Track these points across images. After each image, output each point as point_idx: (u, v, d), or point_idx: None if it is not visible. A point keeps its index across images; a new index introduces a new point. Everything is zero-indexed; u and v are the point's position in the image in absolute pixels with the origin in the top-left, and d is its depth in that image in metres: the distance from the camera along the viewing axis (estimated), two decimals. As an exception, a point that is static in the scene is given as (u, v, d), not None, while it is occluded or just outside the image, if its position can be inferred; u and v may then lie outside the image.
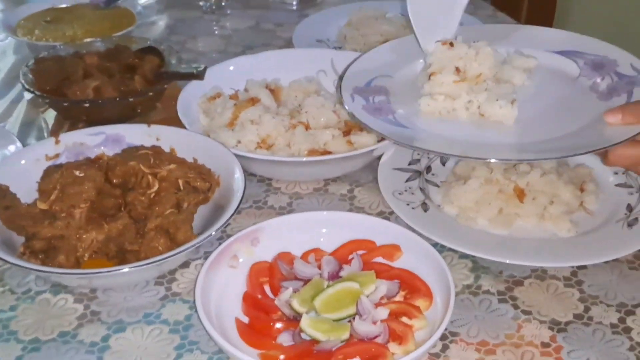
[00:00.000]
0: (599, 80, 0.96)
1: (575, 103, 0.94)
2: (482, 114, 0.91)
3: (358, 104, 0.93)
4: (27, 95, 1.23)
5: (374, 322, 0.72)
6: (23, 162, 0.92)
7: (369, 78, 1.00)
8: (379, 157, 0.98)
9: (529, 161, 0.88)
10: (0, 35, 1.49)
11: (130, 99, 1.06)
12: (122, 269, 0.76)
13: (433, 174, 0.98)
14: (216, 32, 1.52)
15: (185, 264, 0.85)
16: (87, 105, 1.05)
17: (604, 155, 0.84)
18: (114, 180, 0.88)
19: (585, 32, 1.06)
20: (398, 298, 0.78)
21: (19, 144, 1.03)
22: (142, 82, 1.09)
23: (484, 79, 0.95)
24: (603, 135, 0.83)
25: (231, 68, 1.16)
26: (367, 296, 0.75)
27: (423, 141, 0.88)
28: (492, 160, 0.83)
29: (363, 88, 0.97)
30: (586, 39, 1.04)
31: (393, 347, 0.71)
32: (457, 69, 0.95)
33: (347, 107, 0.91)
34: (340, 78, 1.00)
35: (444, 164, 0.99)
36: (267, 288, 0.80)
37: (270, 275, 0.81)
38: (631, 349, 0.73)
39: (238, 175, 0.87)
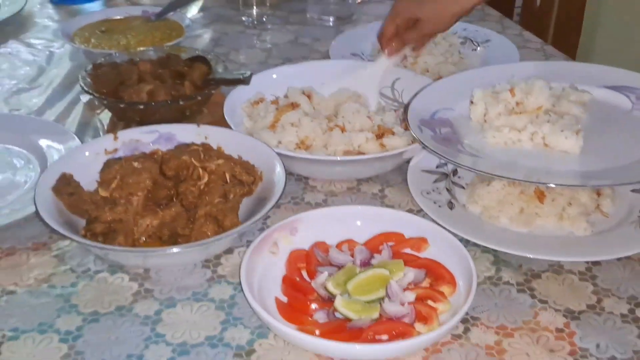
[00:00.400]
0: None
1: (633, 133, 1.00)
2: (547, 144, 0.98)
3: (427, 134, 1.00)
4: (84, 98, 1.33)
5: (402, 304, 0.79)
6: (87, 154, 1.01)
7: (432, 110, 1.07)
8: (409, 161, 1.06)
9: (593, 187, 0.94)
10: (57, 43, 1.61)
11: (181, 102, 1.15)
12: (172, 249, 0.85)
13: (459, 177, 1.05)
14: (257, 45, 1.62)
15: (229, 250, 0.93)
16: (141, 107, 1.14)
17: None
18: (168, 173, 0.97)
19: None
20: (424, 284, 0.84)
21: (77, 141, 1.13)
22: (191, 87, 1.18)
23: (544, 111, 1.02)
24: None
25: (274, 76, 1.25)
26: (396, 281, 0.82)
27: (494, 168, 0.94)
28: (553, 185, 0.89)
29: (428, 120, 1.05)
30: (634, 74, 1.10)
31: (419, 326, 0.78)
32: (517, 103, 1.02)
33: (417, 137, 0.98)
34: (405, 110, 1.07)
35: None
36: (304, 273, 0.87)
37: (307, 261, 0.88)
38: (639, 336, 0.78)
39: (279, 170, 0.95)
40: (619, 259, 0.89)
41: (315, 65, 1.31)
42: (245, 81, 1.17)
